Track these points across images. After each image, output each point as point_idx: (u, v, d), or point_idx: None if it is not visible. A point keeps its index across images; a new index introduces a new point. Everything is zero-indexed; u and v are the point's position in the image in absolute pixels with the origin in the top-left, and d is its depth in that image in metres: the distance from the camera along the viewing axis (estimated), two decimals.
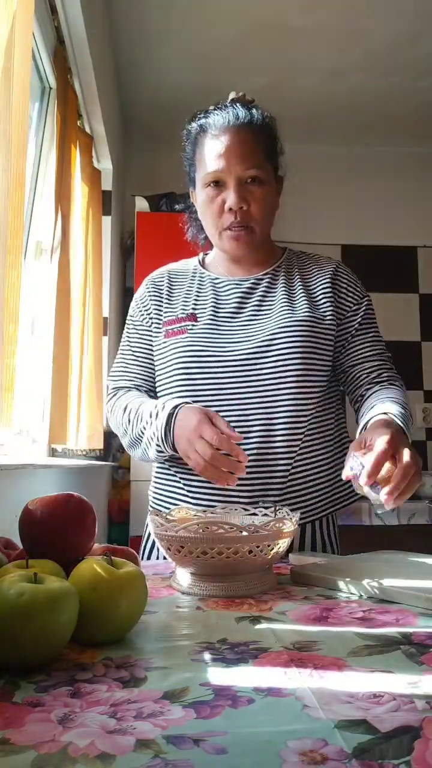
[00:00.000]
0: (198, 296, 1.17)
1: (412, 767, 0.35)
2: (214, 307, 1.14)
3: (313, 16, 2.44)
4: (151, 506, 1.17)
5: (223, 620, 0.65)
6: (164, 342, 1.15)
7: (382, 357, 1.15)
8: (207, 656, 0.53)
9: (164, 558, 1.07)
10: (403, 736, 0.38)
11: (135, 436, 1.09)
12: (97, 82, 2.15)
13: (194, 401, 1.07)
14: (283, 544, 0.78)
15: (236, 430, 1.02)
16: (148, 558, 1.15)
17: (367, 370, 1.13)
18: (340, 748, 0.37)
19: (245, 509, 0.96)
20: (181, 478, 1.11)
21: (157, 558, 1.13)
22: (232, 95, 1.16)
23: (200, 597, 0.75)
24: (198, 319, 1.13)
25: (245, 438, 1.03)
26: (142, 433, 1.06)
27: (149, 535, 1.16)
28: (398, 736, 0.38)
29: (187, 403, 1.02)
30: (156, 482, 1.18)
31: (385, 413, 0.97)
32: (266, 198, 1.11)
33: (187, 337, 1.11)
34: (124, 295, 3.12)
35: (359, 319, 1.15)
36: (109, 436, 2.57)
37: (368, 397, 1.09)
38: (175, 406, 1.00)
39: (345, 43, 2.60)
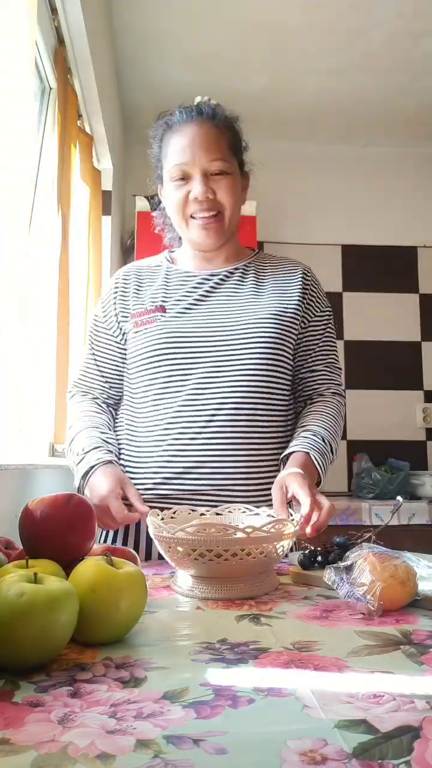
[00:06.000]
0: (167, 289, 1.18)
1: (412, 767, 0.35)
2: (184, 296, 1.16)
3: (313, 16, 2.44)
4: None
5: (223, 620, 0.65)
6: (134, 334, 1.16)
7: (333, 369, 1.20)
8: (207, 656, 0.53)
9: (159, 557, 1.07)
10: (403, 736, 0.38)
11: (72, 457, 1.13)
12: (97, 82, 2.15)
13: (168, 385, 1.09)
14: (284, 546, 0.78)
15: (207, 409, 1.06)
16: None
17: (318, 382, 1.18)
18: (340, 748, 0.37)
19: (249, 509, 0.96)
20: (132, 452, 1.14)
21: (150, 558, 1.12)
22: (197, 99, 1.18)
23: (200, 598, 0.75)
24: (167, 311, 1.14)
25: (214, 416, 1.06)
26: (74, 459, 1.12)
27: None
28: (398, 736, 0.38)
29: (107, 461, 1.06)
30: (129, 456, 1.17)
31: (306, 452, 1.02)
32: (233, 187, 1.12)
33: (157, 326, 1.13)
34: None
35: (321, 328, 1.19)
36: None
37: (305, 413, 1.15)
38: (92, 467, 1.05)
39: (345, 43, 2.60)
